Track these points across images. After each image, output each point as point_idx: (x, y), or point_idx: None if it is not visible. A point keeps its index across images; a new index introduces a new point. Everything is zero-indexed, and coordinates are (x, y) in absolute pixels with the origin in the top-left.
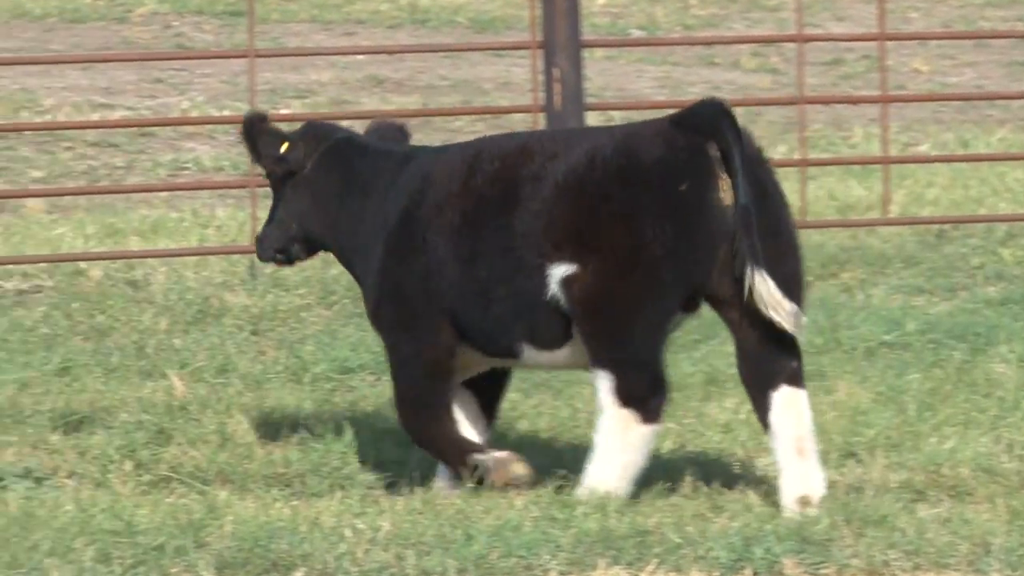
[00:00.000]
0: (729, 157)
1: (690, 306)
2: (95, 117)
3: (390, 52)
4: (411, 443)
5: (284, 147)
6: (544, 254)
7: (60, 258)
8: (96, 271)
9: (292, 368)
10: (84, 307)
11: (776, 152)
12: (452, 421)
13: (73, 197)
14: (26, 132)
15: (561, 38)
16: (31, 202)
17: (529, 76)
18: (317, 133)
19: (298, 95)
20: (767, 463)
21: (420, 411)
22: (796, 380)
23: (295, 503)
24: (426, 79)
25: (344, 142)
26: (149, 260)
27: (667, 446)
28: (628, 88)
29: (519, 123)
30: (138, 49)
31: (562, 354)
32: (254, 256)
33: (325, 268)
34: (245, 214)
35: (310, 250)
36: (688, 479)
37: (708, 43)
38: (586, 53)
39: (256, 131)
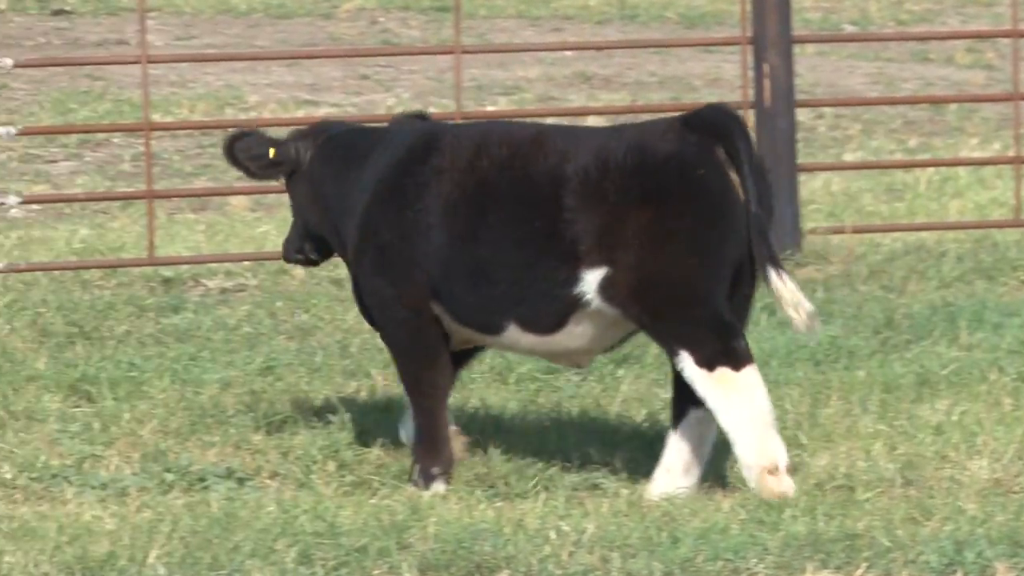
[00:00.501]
0: (738, 161)
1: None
2: (300, 114)
3: (598, 48)
4: (616, 444)
5: (272, 153)
6: (576, 258)
7: (264, 256)
8: (299, 270)
9: (497, 368)
10: (288, 306)
11: (990, 149)
12: (441, 371)
13: (277, 195)
14: (230, 129)
15: (772, 33)
16: (235, 200)
17: (739, 72)
18: (316, 130)
19: (505, 92)
20: (979, 466)
21: (410, 355)
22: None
23: (499, 504)
24: (634, 75)
25: (340, 135)
26: None
27: (877, 448)
28: (839, 84)
29: None
30: (344, 45)
31: (552, 339)
32: None
33: None
34: None
35: (319, 248)
36: (898, 482)
37: (922, 39)
38: (797, 48)
39: (235, 152)
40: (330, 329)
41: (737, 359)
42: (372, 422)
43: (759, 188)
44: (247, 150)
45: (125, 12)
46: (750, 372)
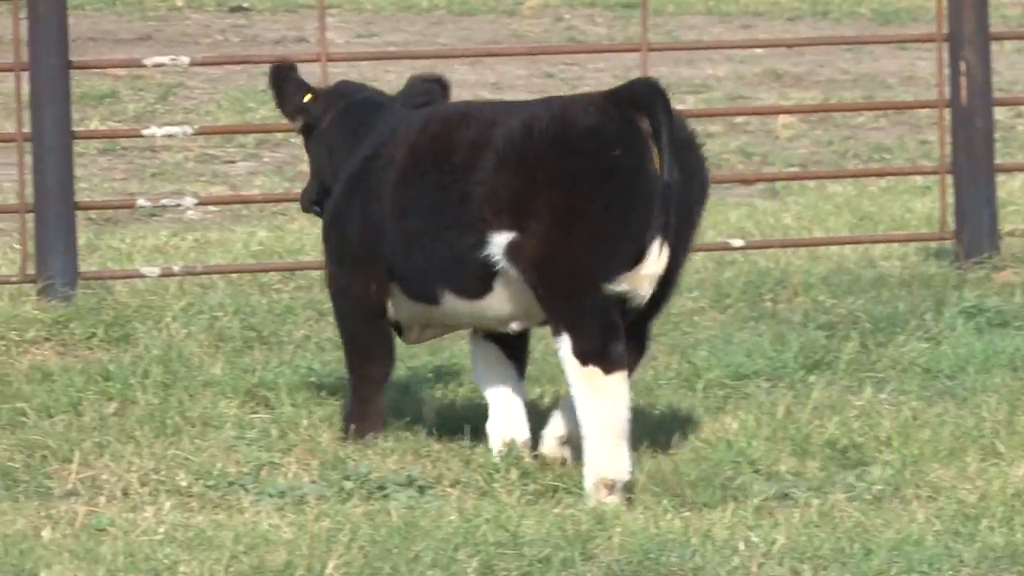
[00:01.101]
0: (658, 133)
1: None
2: None
3: (789, 45)
4: (807, 453)
5: (308, 97)
6: (484, 220)
7: None
8: None
9: (684, 374)
10: None
11: None
12: (378, 362)
13: None
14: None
15: (968, 30)
16: None
17: (934, 70)
18: (339, 90)
19: (693, 90)
20: None
21: (350, 341)
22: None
23: (686, 514)
24: (827, 73)
25: (360, 101)
26: None
27: None
28: None
29: (923, 118)
30: (528, 43)
31: (482, 304)
32: None
33: (719, 270)
34: None
35: None
36: None
37: None
38: (995, 45)
39: (281, 78)
40: None
41: (609, 362)
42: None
43: (679, 163)
44: (291, 82)
45: (304, 9)
46: (618, 379)
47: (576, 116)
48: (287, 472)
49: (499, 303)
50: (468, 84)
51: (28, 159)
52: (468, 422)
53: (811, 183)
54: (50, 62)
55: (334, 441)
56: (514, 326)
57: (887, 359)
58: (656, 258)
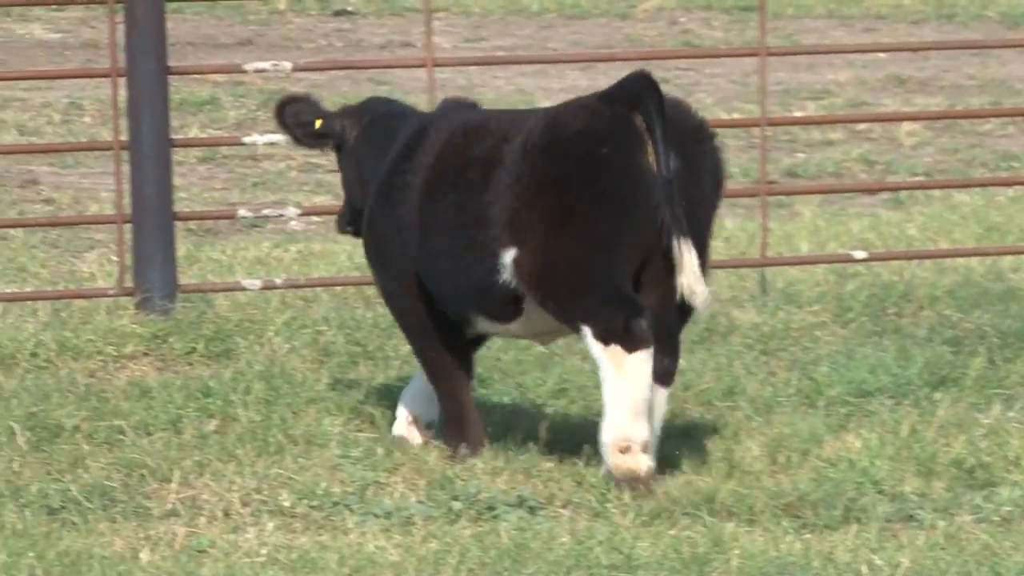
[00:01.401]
0: (651, 127)
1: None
2: None
3: (913, 50)
4: (932, 472)
5: (318, 123)
6: (494, 238)
7: None
8: None
9: (804, 391)
10: None
11: None
12: (453, 351)
13: None
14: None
15: None
16: None
17: None
18: (364, 107)
19: (813, 96)
20: None
21: (419, 338)
22: (663, 379)
23: (806, 536)
24: (952, 78)
25: (383, 115)
26: None
27: None
28: None
29: None
30: (642, 47)
31: (514, 326)
32: (765, 270)
33: (841, 283)
34: (755, 225)
35: None
36: None
37: None
38: None
39: (284, 115)
40: None
41: (632, 340)
42: (672, 448)
43: (680, 154)
44: (296, 115)
45: (410, 13)
46: (641, 356)
47: (565, 121)
48: (393, 492)
49: (534, 323)
50: (579, 90)
51: (126, 168)
52: (581, 440)
53: (936, 192)
54: (148, 68)
55: (442, 460)
56: (539, 342)
57: (1016, 375)
58: (683, 255)
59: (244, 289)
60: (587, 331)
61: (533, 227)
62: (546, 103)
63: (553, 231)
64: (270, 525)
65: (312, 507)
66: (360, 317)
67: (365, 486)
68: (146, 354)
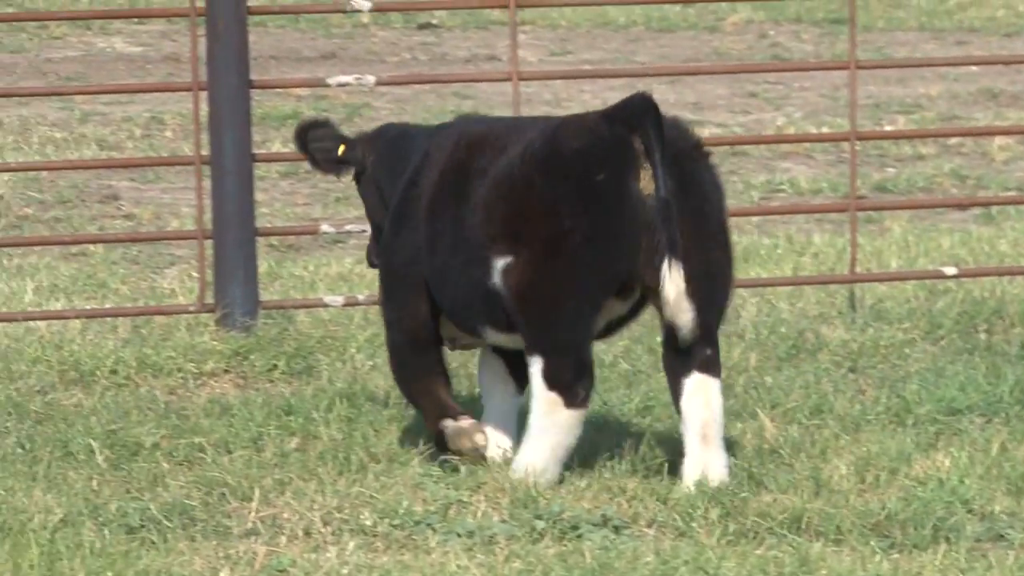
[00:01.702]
0: (650, 150)
1: (625, 294)
2: None
3: (1006, 63)
4: (1015, 492)
5: (341, 150)
6: (487, 247)
7: None
8: None
9: (893, 408)
10: None
11: None
12: (435, 383)
13: None
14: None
15: None
16: None
17: None
18: (380, 132)
19: (904, 110)
20: None
21: (404, 372)
22: (708, 368)
23: (895, 556)
24: None
25: (394, 137)
26: (739, 290)
27: None
28: None
29: None
30: (730, 60)
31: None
32: (854, 287)
33: (931, 300)
34: (844, 240)
35: None
36: None
37: None
38: None
39: (306, 138)
40: None
41: (573, 398)
42: (758, 466)
43: (679, 173)
44: (318, 140)
45: (496, 26)
46: (576, 415)
47: (565, 138)
48: (476, 511)
49: None
50: (667, 104)
51: (207, 183)
52: (666, 459)
53: None
54: (230, 81)
55: (525, 478)
56: None
57: None
58: (670, 277)
59: (326, 305)
60: (536, 366)
61: (527, 241)
62: None
63: (544, 251)
64: (351, 544)
65: (394, 526)
66: None
67: (447, 505)
68: (227, 371)
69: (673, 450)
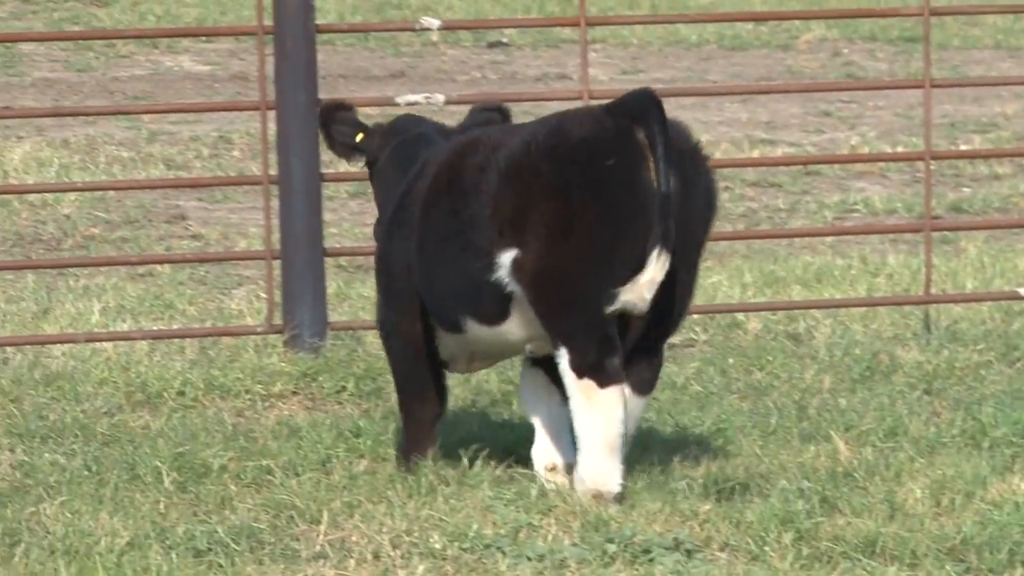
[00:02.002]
0: (653, 143)
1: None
2: (755, 154)
3: None
4: None
5: (359, 137)
6: (491, 240)
7: (715, 309)
8: (754, 323)
9: (969, 431)
10: (740, 363)
11: None
12: (425, 403)
13: (730, 242)
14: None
15: None
16: None
17: None
18: (396, 126)
19: (980, 129)
20: None
21: (400, 380)
22: (640, 388)
23: None
24: None
25: (412, 138)
26: (813, 311)
27: None
28: None
29: None
30: (803, 79)
31: (503, 329)
32: (929, 308)
33: (1007, 321)
34: (919, 261)
35: None
36: None
37: None
38: None
39: (330, 119)
40: (786, 388)
41: (605, 376)
42: (831, 489)
43: (678, 173)
44: (340, 123)
45: (566, 44)
46: (613, 392)
47: (571, 128)
48: (547, 534)
49: (517, 327)
50: (739, 123)
51: (275, 203)
52: (739, 481)
53: None
54: (298, 100)
55: (595, 500)
56: (530, 347)
57: None
58: (655, 265)
59: None
60: (564, 357)
61: (536, 230)
62: (704, 136)
63: (556, 236)
64: (420, 568)
65: (463, 549)
66: None
67: (518, 528)
68: (295, 393)
69: (747, 472)
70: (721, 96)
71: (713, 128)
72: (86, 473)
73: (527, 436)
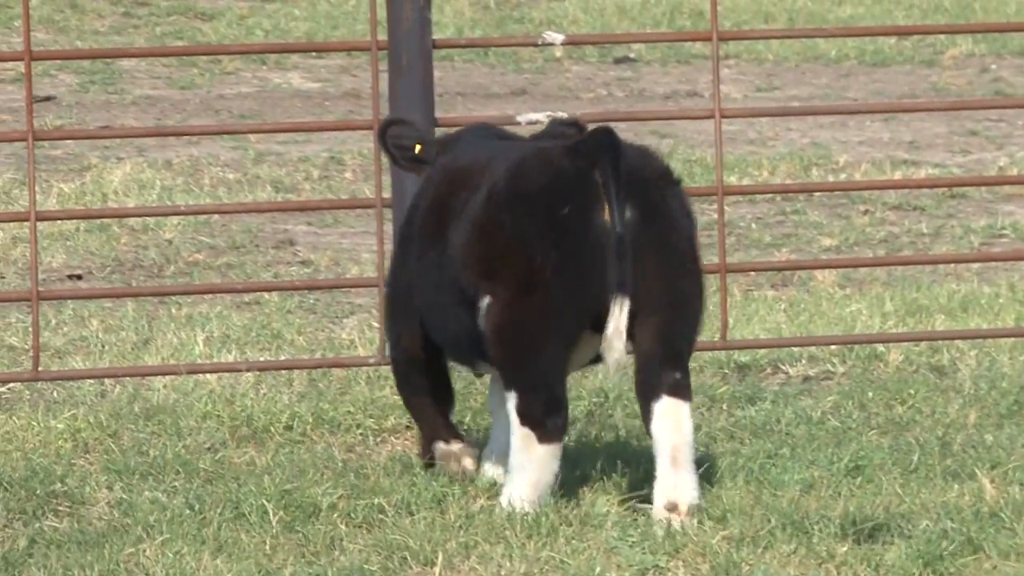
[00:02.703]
0: (606, 184)
1: (600, 326)
2: (897, 176)
3: None
4: None
5: (418, 148)
6: (471, 287)
7: (854, 340)
8: (896, 354)
9: None
10: (880, 396)
11: None
12: (433, 402)
13: (870, 269)
14: (817, 194)
15: None
16: (821, 274)
17: None
18: (459, 136)
19: None
20: None
21: (405, 389)
22: (677, 392)
23: None
24: None
25: (463, 145)
26: (957, 342)
27: None
28: None
29: None
30: (949, 96)
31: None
32: None
33: None
34: None
35: None
36: None
37: None
38: None
39: (387, 135)
40: (929, 424)
41: (546, 433)
42: (976, 530)
43: (641, 202)
44: (398, 137)
45: (697, 60)
46: (551, 449)
47: (528, 175)
48: None
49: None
50: (880, 143)
51: (388, 227)
52: (879, 523)
53: None
54: (413, 119)
55: (726, 541)
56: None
57: None
58: (617, 316)
59: None
60: (511, 402)
61: (503, 280)
62: (843, 157)
63: (516, 287)
64: None
65: None
66: None
67: (644, 570)
68: (408, 427)
69: (887, 512)
70: (862, 115)
71: (853, 148)
72: (188, 512)
73: (651, 472)
